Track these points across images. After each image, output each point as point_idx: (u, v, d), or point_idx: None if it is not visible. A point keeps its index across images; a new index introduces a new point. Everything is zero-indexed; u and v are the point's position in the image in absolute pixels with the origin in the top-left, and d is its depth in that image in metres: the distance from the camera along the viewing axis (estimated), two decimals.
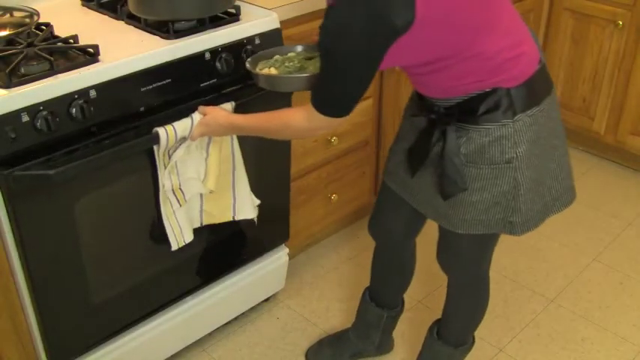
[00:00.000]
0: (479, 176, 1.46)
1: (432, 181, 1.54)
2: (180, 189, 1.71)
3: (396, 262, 1.91)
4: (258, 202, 1.92)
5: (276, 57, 1.71)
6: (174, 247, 1.76)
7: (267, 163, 1.98)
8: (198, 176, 1.74)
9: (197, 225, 1.82)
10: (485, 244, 1.66)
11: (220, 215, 1.85)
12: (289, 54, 1.72)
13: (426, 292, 2.31)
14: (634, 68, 2.74)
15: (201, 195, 1.79)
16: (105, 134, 1.57)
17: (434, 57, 1.36)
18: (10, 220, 1.50)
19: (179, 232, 1.75)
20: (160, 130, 1.59)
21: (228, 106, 1.70)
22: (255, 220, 1.92)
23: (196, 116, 1.63)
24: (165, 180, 1.67)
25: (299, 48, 1.74)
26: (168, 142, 1.60)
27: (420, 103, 1.55)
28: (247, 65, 1.66)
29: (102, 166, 1.56)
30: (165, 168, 1.65)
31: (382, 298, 1.96)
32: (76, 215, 1.58)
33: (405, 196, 1.65)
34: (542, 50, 1.50)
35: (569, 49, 2.94)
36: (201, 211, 1.81)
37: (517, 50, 1.41)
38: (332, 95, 1.40)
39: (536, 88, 1.45)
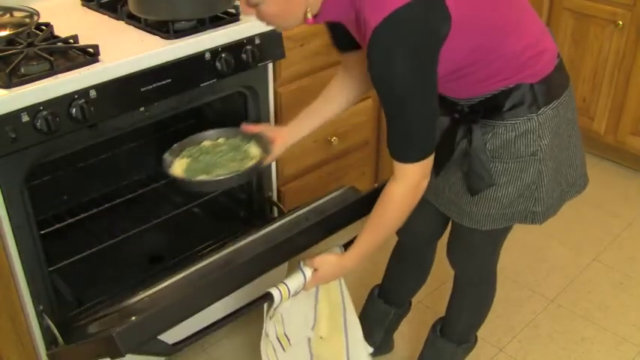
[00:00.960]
0: (505, 171, 1.47)
1: (455, 181, 1.54)
2: (285, 335, 1.60)
3: (416, 264, 1.91)
4: (371, 350, 1.79)
5: (205, 143, 1.67)
6: None
7: None
8: (306, 323, 1.64)
9: None
10: (497, 238, 1.66)
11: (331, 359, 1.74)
12: (203, 143, 1.68)
13: (426, 292, 2.30)
14: (634, 68, 2.74)
15: (309, 339, 1.67)
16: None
17: (464, 63, 1.36)
18: (7, 216, 1.50)
19: None
20: (274, 292, 1.48)
21: (337, 249, 1.56)
22: None
23: (308, 272, 1.51)
24: (270, 330, 1.55)
25: (212, 135, 1.69)
26: (282, 300, 1.49)
27: (441, 103, 1.54)
28: (164, 161, 1.60)
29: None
30: (271, 319, 1.54)
31: (393, 296, 1.96)
32: None
33: (429, 197, 1.64)
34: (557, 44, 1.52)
35: (569, 49, 2.94)
36: (310, 356, 1.70)
37: (540, 47, 1.43)
38: (412, 137, 1.33)
39: (557, 82, 1.47)
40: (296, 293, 1.52)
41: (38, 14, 1.70)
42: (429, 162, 1.36)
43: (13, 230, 1.52)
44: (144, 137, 2.08)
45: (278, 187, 2.16)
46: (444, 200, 1.61)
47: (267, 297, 1.48)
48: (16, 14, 1.74)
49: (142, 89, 1.61)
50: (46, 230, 1.71)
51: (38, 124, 1.45)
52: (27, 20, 1.71)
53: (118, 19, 1.83)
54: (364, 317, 2.02)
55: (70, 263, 1.78)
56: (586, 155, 3.05)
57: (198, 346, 2.11)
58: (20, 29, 1.64)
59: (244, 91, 1.89)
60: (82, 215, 1.85)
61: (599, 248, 2.57)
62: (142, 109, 1.65)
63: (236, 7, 1.82)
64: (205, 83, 1.73)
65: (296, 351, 1.65)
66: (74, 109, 1.50)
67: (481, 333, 2.13)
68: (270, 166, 2.07)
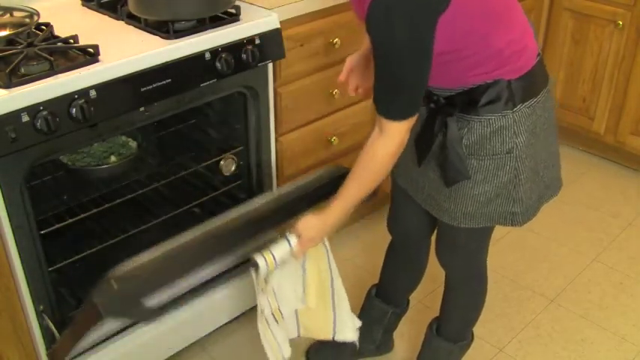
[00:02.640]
0: (480, 168, 1.48)
1: (434, 177, 1.55)
2: (279, 309, 1.64)
3: (410, 262, 1.92)
4: (359, 323, 1.82)
5: None
6: None
7: None
8: (296, 294, 1.67)
9: (294, 337, 1.74)
10: (482, 236, 1.67)
11: (319, 331, 1.77)
12: None
13: (426, 292, 2.31)
14: (634, 68, 2.74)
15: (296, 310, 1.71)
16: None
17: (454, 45, 1.36)
18: (7, 217, 1.50)
19: (277, 348, 1.67)
20: (259, 259, 1.50)
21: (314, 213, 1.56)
22: (357, 343, 1.83)
23: (293, 239, 1.53)
24: (265, 305, 1.59)
25: None
26: (268, 268, 1.51)
27: None
28: None
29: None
30: (263, 292, 1.57)
31: (390, 295, 1.97)
32: None
33: (412, 193, 1.66)
34: (538, 42, 1.52)
35: (569, 49, 2.94)
36: (297, 325, 1.74)
37: (522, 43, 1.44)
38: (401, 97, 1.35)
39: (535, 80, 1.48)
40: (283, 261, 1.52)
41: (38, 14, 1.70)
42: (413, 119, 1.38)
43: (13, 230, 1.52)
44: (144, 137, 2.08)
45: (278, 187, 2.16)
46: (424, 196, 1.63)
47: (252, 264, 1.49)
48: (16, 14, 1.74)
49: (142, 89, 1.61)
50: (46, 230, 1.71)
51: (38, 124, 1.45)
52: (27, 20, 1.71)
53: (118, 19, 1.83)
54: (363, 317, 2.03)
55: (70, 263, 1.78)
56: (586, 155, 3.05)
57: (199, 345, 2.11)
58: (20, 29, 1.64)
59: (244, 91, 1.89)
60: (82, 215, 1.85)
61: (599, 248, 2.57)
62: (141, 109, 1.65)
63: (236, 7, 1.83)
64: (205, 83, 1.73)
65: (287, 323, 1.68)
66: (74, 109, 1.50)
67: (481, 333, 2.13)
68: (270, 166, 2.07)
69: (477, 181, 1.49)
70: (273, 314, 1.62)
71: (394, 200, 1.83)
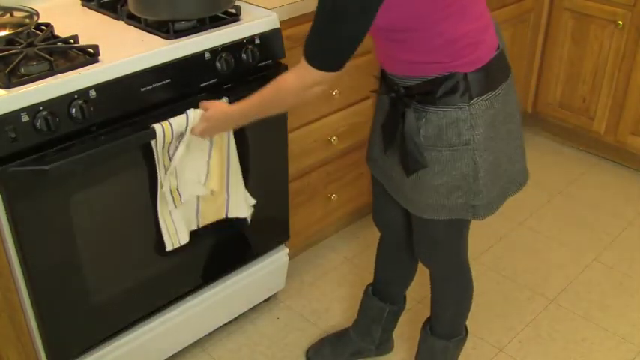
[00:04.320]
0: (439, 159, 1.49)
1: (399, 168, 1.57)
2: (177, 191, 1.71)
3: (399, 259, 1.92)
4: (253, 201, 1.91)
5: None
6: (168, 247, 1.77)
7: (264, 162, 1.98)
8: (198, 178, 1.74)
9: (194, 227, 1.82)
10: (457, 230, 1.68)
11: (213, 215, 1.85)
12: None
13: (425, 293, 2.30)
14: (634, 68, 2.74)
15: (198, 197, 1.78)
16: (102, 131, 1.57)
17: (408, 25, 1.37)
18: (7, 217, 1.50)
19: (174, 232, 1.76)
20: (156, 126, 1.59)
21: (224, 100, 1.70)
22: (249, 219, 1.92)
23: (191, 112, 1.63)
24: (164, 181, 1.67)
25: None
26: (165, 137, 1.60)
27: (382, 81, 1.58)
28: None
29: (98, 161, 1.56)
30: (166, 169, 1.65)
31: (385, 292, 1.97)
32: (72, 211, 1.58)
33: (385, 184, 1.69)
34: (500, 36, 1.54)
35: (569, 49, 2.94)
36: (197, 213, 1.81)
37: (480, 37, 1.45)
38: (326, 46, 1.37)
39: (493, 74, 1.49)
40: (180, 134, 1.62)
41: (38, 14, 1.70)
42: (329, 76, 1.39)
43: (12, 230, 1.52)
44: None
45: None
46: (393, 187, 1.65)
47: (150, 131, 1.58)
48: (16, 14, 1.75)
49: (142, 89, 1.61)
50: None
51: (38, 124, 1.45)
52: (27, 20, 1.71)
53: (118, 19, 1.83)
54: (362, 316, 2.03)
55: None
56: (586, 155, 3.05)
57: (198, 346, 2.11)
58: (20, 29, 1.64)
59: None
60: None
61: (599, 248, 2.57)
62: (141, 109, 1.65)
63: (236, 7, 1.83)
64: (205, 83, 1.73)
65: (186, 208, 1.76)
66: (74, 109, 1.50)
67: (481, 333, 2.14)
68: None
69: (437, 172, 1.51)
70: (171, 194, 1.70)
71: (375, 194, 1.84)
